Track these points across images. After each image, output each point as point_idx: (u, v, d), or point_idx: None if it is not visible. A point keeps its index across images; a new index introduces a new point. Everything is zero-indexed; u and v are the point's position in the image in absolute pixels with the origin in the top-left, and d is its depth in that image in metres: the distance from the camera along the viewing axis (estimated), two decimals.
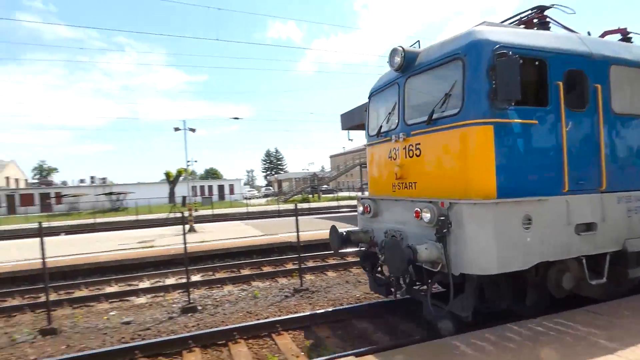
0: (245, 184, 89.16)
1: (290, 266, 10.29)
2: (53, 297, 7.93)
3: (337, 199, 44.70)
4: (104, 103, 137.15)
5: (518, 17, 5.95)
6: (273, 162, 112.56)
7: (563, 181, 4.63)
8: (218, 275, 9.73)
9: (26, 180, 73.91)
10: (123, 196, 49.04)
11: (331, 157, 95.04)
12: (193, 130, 35.24)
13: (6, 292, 8.71)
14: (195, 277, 9.39)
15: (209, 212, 31.82)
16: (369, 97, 6.41)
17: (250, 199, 53.75)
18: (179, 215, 26.47)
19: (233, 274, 9.73)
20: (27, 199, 52.97)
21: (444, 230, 4.27)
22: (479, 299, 4.82)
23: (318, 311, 6.37)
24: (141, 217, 30.36)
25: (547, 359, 3.56)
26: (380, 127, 5.86)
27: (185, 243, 7.47)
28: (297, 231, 8.40)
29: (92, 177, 66.83)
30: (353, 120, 23.44)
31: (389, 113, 5.74)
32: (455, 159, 4.55)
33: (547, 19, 5.59)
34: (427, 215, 4.48)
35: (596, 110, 4.89)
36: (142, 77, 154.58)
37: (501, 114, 4.34)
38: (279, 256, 11.55)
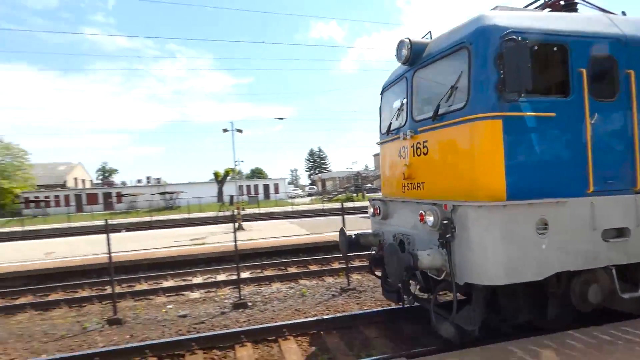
0: (289, 183, 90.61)
1: (336, 265, 10.35)
2: (117, 289, 8.55)
3: None
4: (157, 107, 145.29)
5: (543, 0, 5.42)
6: (316, 161, 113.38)
7: (587, 181, 4.16)
8: (266, 273, 9.99)
9: (91, 181, 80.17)
10: (176, 195, 51.70)
11: (374, 155, 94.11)
12: (240, 131, 36.35)
13: (77, 284, 9.52)
14: (245, 274, 9.71)
15: (255, 210, 32.74)
16: (381, 93, 6.18)
17: (294, 198, 54.56)
18: (227, 213, 27.52)
19: (281, 272, 9.95)
20: (92, 198, 57.47)
21: (448, 235, 3.96)
22: (493, 311, 4.48)
23: (365, 311, 6.37)
24: (192, 215, 31.89)
25: None
26: (390, 124, 5.62)
27: (235, 241, 7.76)
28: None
29: (147, 178, 71.05)
30: None
31: (398, 109, 5.49)
32: (461, 157, 4.20)
33: (576, 0, 5.08)
34: (430, 219, 4.18)
35: (629, 99, 4.37)
36: (191, 82, 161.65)
37: (511, 107, 3.97)
38: (325, 255, 11.65)
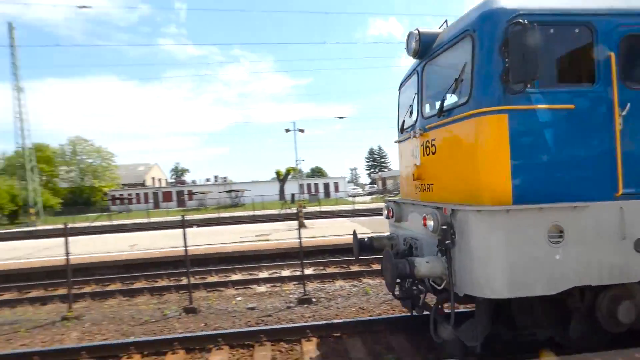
0: (349, 182, 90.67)
1: None
2: (191, 281, 9.18)
3: None
4: (223, 110, 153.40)
5: None
6: (376, 160, 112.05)
7: (616, 182, 3.63)
8: (329, 270, 10.10)
9: (166, 180, 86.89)
10: (240, 193, 54.21)
11: None
12: (302, 130, 37.18)
13: (157, 274, 10.37)
14: (308, 271, 9.89)
15: (316, 209, 33.21)
16: (398, 89, 5.87)
17: (354, 196, 54.43)
18: (289, 211, 28.30)
19: (343, 270, 10.00)
20: (167, 196, 62.29)
21: (447, 242, 3.65)
22: (508, 326, 4.14)
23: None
24: (257, 212, 33.19)
25: None
26: (404, 122, 5.32)
27: (300, 238, 7.95)
28: None
29: (215, 177, 75.28)
30: None
31: (410, 106, 5.17)
32: (465, 156, 3.84)
33: None
34: (430, 223, 3.92)
35: None
36: (254, 84, 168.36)
37: (519, 99, 3.54)
38: None
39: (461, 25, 4.03)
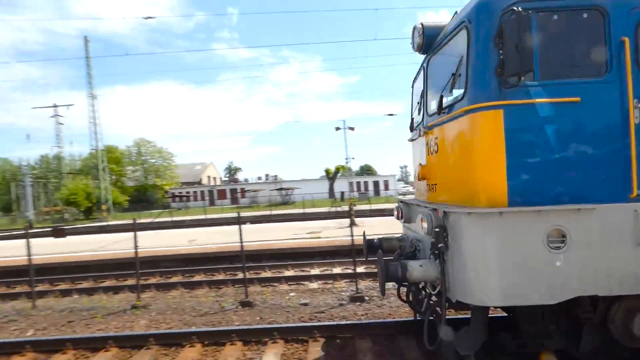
0: (399, 180, 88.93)
1: None
2: (247, 275, 9.53)
3: None
4: (273, 110, 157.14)
5: None
6: None
7: (629, 182, 3.28)
8: None
9: (220, 178, 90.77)
10: (291, 191, 55.24)
11: None
12: (352, 128, 37.24)
13: (214, 268, 10.88)
14: (360, 269, 9.87)
15: (366, 207, 32.98)
16: (412, 86, 5.62)
17: (404, 194, 53.33)
18: (339, 209, 28.37)
19: None
20: (221, 194, 65.08)
21: (440, 245, 3.49)
22: (514, 336, 3.93)
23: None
24: (307, 210, 33.62)
25: None
26: (412, 119, 5.15)
27: (352, 236, 7.94)
28: None
29: (266, 175, 77.41)
30: None
31: (418, 102, 4.98)
32: (462, 155, 3.65)
33: None
34: (424, 225, 3.77)
35: None
36: (302, 84, 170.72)
37: (517, 94, 3.29)
38: None
39: (460, 16, 3.84)
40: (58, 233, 19.67)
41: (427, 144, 4.62)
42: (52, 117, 52.19)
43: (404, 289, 5.34)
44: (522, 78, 3.24)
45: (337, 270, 10.15)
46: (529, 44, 3.13)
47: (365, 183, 67.11)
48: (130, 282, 9.93)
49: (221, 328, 6.09)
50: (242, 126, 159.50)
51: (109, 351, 5.65)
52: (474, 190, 3.51)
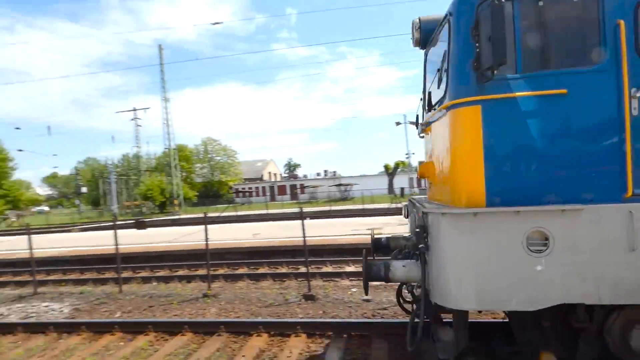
0: None
1: None
2: (309, 270, 9.71)
3: None
4: (331, 106, 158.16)
5: None
6: None
7: (624, 181, 2.99)
8: None
9: (280, 174, 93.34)
10: (350, 187, 55.21)
11: None
12: (413, 123, 36.12)
13: (277, 262, 11.24)
14: None
15: None
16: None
17: None
18: (399, 205, 27.78)
19: None
20: (281, 190, 66.94)
21: (421, 245, 3.42)
22: (508, 342, 3.90)
23: None
24: (366, 206, 33.42)
25: None
26: (417, 116, 5.04)
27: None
28: None
29: (325, 171, 78.05)
30: None
31: (420, 99, 4.91)
32: (446, 153, 3.51)
33: None
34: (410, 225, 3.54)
35: None
36: (360, 79, 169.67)
37: (495, 88, 3.12)
38: None
39: (447, 9, 3.68)
40: (140, 225, 21.66)
41: (425, 141, 4.67)
42: (132, 119, 57.23)
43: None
44: (496, 72, 3.05)
45: None
46: (503, 35, 2.93)
47: None
48: (201, 272, 10.60)
49: (286, 320, 6.28)
50: (300, 123, 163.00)
51: (185, 335, 6.09)
52: (455, 190, 3.42)
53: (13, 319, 7.75)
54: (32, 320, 7.50)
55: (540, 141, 3.13)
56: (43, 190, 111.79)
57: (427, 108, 4.14)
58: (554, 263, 3.00)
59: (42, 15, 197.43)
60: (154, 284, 9.97)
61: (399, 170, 57.18)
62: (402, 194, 37.42)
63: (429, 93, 4.03)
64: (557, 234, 2.99)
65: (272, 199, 64.60)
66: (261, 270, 10.57)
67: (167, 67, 48.18)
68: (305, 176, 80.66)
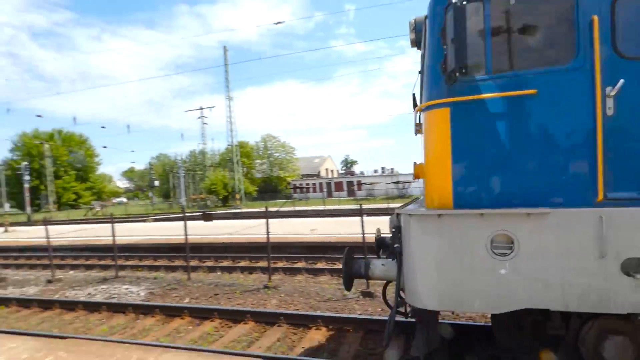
0: None
1: None
2: None
3: None
4: (389, 102, 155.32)
5: None
6: None
7: (595, 184, 2.87)
8: None
9: (337, 171, 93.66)
10: (407, 184, 53.90)
11: None
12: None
13: (335, 257, 11.30)
14: None
15: None
16: None
17: None
18: None
19: None
20: (338, 186, 67.13)
21: (396, 245, 3.54)
22: (491, 343, 3.88)
23: None
24: None
25: None
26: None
27: None
28: None
29: (382, 168, 76.87)
30: None
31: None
32: (424, 155, 3.54)
33: None
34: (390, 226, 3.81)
35: None
36: None
37: (464, 90, 3.13)
38: None
39: None
40: (207, 217, 22.99)
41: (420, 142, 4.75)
42: (199, 118, 60.78)
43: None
44: (458, 74, 3.05)
45: None
46: (464, 37, 2.92)
47: None
48: (262, 264, 10.98)
49: (345, 315, 6.29)
50: (358, 119, 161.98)
51: (247, 324, 6.35)
52: (428, 191, 3.45)
53: (99, 298, 8.63)
54: (114, 300, 8.28)
55: (509, 143, 3.07)
56: (122, 183, 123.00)
57: (414, 109, 4.20)
58: (519, 267, 2.97)
59: (124, 24, 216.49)
60: (219, 273, 10.52)
61: None
62: None
63: (413, 95, 4.08)
64: (522, 238, 2.96)
65: (329, 195, 65.06)
66: (319, 265, 10.69)
67: (230, 68, 50.46)
68: (362, 173, 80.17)
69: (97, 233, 18.72)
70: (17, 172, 53.10)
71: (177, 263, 12.11)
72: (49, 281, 10.62)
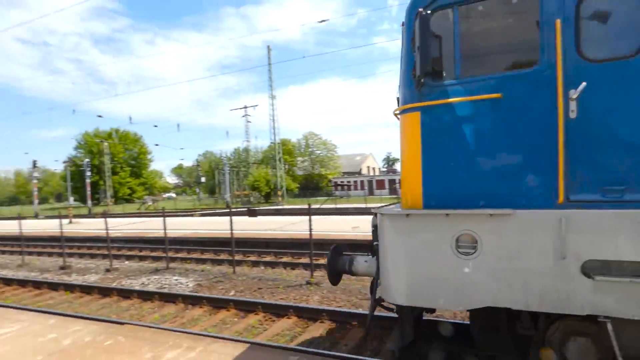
0: None
1: None
2: None
3: None
4: None
5: None
6: None
7: (556, 186, 2.87)
8: None
9: (379, 169, 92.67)
10: None
11: None
12: None
13: None
14: None
15: None
16: None
17: None
18: None
19: None
20: (380, 184, 66.39)
21: (375, 243, 3.78)
22: (468, 342, 4.00)
23: None
24: None
25: None
26: None
27: None
28: None
29: None
30: None
31: None
32: (400, 157, 3.69)
33: None
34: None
35: None
36: None
37: (433, 94, 3.24)
38: None
39: None
40: (252, 213, 23.65)
41: None
42: (243, 116, 62.52)
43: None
44: (423, 80, 3.21)
45: None
46: (427, 45, 3.08)
47: None
48: (304, 260, 11.09)
49: (389, 315, 6.20)
50: None
51: (290, 319, 6.44)
52: (402, 192, 3.56)
53: (151, 288, 9.13)
54: (166, 290, 8.73)
55: (474, 146, 3.15)
56: (171, 179, 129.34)
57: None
58: (482, 266, 3.06)
59: (175, 28, 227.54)
60: (262, 268, 10.76)
61: None
62: None
63: (397, 99, 4.19)
64: (485, 238, 3.04)
65: (370, 193, 64.50)
66: None
67: (273, 67, 51.39)
68: None
69: (149, 226, 19.82)
70: (80, 169, 57.54)
71: (222, 257, 12.54)
72: (107, 270, 11.40)
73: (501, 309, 3.09)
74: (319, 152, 75.92)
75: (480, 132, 3.16)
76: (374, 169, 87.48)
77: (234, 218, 11.13)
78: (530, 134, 3.02)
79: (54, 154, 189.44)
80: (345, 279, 9.04)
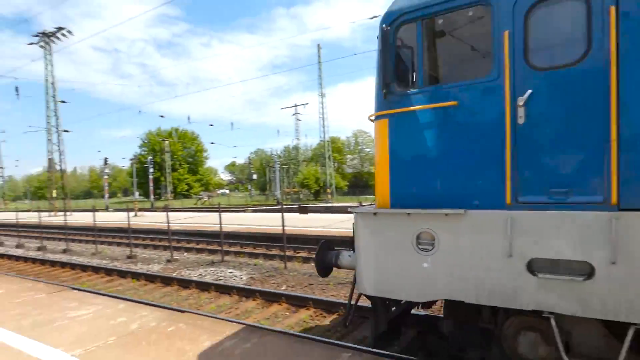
0: None
1: None
2: None
3: None
4: None
5: None
6: None
7: (504, 188, 3.08)
8: None
9: None
10: None
11: None
12: None
13: None
14: None
15: None
16: None
17: None
18: None
19: None
20: None
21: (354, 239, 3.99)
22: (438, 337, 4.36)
23: None
24: None
25: None
26: None
27: None
28: None
29: None
30: None
31: None
32: (374, 160, 3.91)
33: None
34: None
35: (603, 57, 2.72)
36: None
37: (399, 102, 3.53)
38: None
39: None
40: (303, 210, 24.08)
41: None
42: (293, 115, 63.57)
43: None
44: (386, 89, 3.55)
45: None
46: (387, 58, 3.44)
47: None
48: None
49: (437, 315, 6.02)
50: None
51: (341, 315, 6.47)
52: (376, 193, 3.81)
53: (208, 279, 9.60)
54: (221, 282, 9.14)
55: (433, 150, 3.40)
56: (225, 176, 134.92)
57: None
58: (439, 262, 3.31)
59: (230, 30, 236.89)
60: (312, 264, 10.89)
61: None
62: None
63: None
64: (442, 236, 3.29)
65: None
66: None
67: (323, 65, 51.59)
68: None
69: (205, 220, 20.84)
70: (144, 165, 61.84)
71: (274, 252, 12.87)
72: (169, 260, 12.17)
73: (469, 305, 3.28)
74: (368, 149, 75.33)
75: (439, 137, 3.42)
76: None
77: (286, 215, 11.37)
78: (482, 138, 3.23)
79: (123, 151, 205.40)
80: None
